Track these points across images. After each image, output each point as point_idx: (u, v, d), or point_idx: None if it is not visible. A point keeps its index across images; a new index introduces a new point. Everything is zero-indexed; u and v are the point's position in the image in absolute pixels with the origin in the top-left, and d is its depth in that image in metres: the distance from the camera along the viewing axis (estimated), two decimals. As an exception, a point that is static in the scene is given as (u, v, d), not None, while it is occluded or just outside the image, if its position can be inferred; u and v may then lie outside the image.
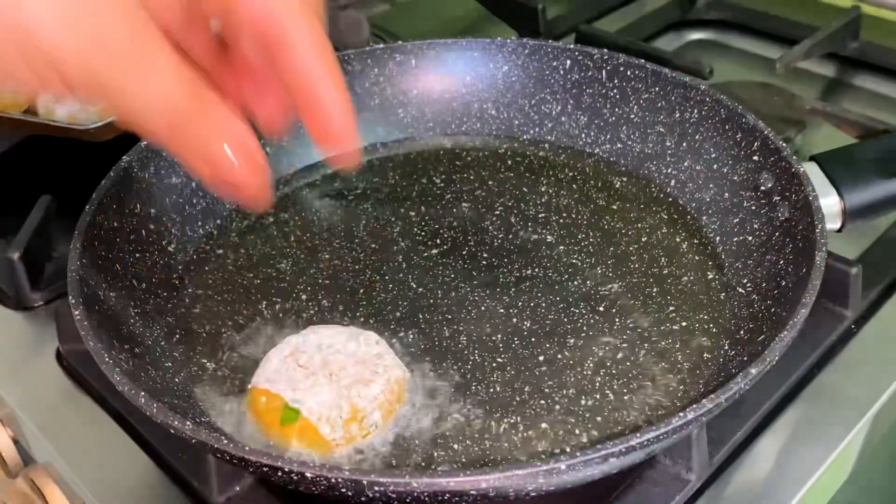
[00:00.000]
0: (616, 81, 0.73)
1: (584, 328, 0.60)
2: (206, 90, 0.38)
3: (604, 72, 0.74)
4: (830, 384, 0.58)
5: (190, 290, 0.64)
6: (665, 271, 0.63)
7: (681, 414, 0.45)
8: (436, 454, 0.52)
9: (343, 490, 0.44)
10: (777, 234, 0.60)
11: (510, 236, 0.67)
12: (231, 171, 0.38)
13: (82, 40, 0.34)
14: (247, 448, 0.45)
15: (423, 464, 0.52)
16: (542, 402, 0.55)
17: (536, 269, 0.64)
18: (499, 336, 0.59)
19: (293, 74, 0.41)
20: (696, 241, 0.66)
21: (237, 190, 0.39)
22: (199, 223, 0.69)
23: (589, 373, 0.56)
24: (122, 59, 0.35)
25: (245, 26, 0.40)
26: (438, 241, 0.67)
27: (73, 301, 0.54)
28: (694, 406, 0.46)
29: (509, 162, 0.75)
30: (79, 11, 0.33)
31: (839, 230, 0.63)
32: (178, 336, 0.61)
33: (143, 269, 0.63)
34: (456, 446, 0.53)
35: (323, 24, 0.41)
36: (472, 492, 0.44)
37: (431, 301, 0.62)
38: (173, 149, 0.38)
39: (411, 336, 0.60)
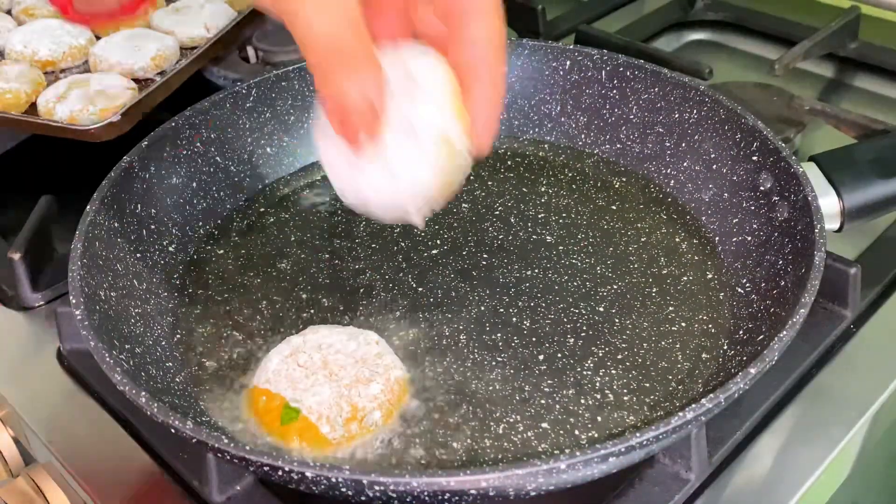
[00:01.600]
0: (616, 82, 0.73)
1: (584, 328, 0.60)
2: (363, 41, 0.41)
3: (603, 72, 0.74)
4: (829, 384, 0.59)
5: (190, 290, 0.64)
6: (664, 271, 0.64)
7: (680, 414, 0.45)
8: (436, 453, 0.52)
9: (343, 489, 0.44)
10: (776, 234, 0.61)
11: (510, 236, 0.67)
12: (348, 117, 0.42)
13: None
14: (247, 448, 0.46)
15: (423, 463, 0.52)
16: (542, 401, 0.55)
17: (536, 270, 0.64)
18: (498, 335, 0.59)
19: (458, 58, 0.43)
20: (695, 241, 0.66)
21: (344, 132, 0.43)
22: (199, 223, 0.69)
23: (589, 373, 0.57)
24: None
25: None
26: (438, 242, 0.67)
27: (73, 301, 0.54)
28: (693, 406, 0.46)
29: (509, 162, 0.75)
30: None
31: (838, 230, 0.63)
32: (178, 336, 0.61)
33: (143, 269, 0.63)
34: (456, 445, 0.53)
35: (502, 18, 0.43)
36: (472, 491, 0.44)
37: (431, 301, 0.62)
38: (316, 79, 0.42)
39: (411, 335, 0.60)
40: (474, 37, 0.43)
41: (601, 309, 0.61)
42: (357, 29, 0.40)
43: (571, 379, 0.56)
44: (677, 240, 0.66)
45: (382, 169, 0.45)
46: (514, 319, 0.60)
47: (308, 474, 0.44)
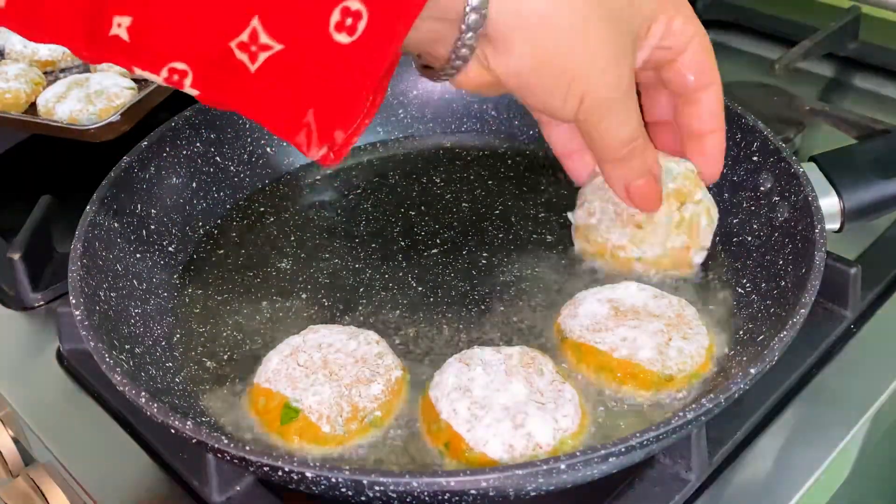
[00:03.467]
0: (616, 82, 0.73)
1: (584, 328, 0.60)
2: (646, 134, 0.55)
3: (603, 72, 0.74)
4: (830, 384, 0.59)
5: (190, 290, 0.64)
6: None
7: (680, 414, 0.45)
8: (437, 452, 0.52)
9: (343, 490, 0.44)
10: (776, 234, 0.61)
11: (510, 236, 0.67)
12: (643, 193, 0.56)
13: (608, 82, 0.50)
14: (247, 448, 0.46)
15: (423, 463, 0.52)
16: (542, 401, 0.55)
17: (536, 269, 0.64)
18: (498, 335, 0.59)
19: (691, 125, 0.58)
20: (695, 241, 0.66)
21: (640, 203, 0.57)
22: (199, 223, 0.69)
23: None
24: (624, 99, 0.51)
25: (673, 83, 0.56)
26: (438, 241, 0.67)
27: (73, 301, 0.54)
28: (693, 406, 0.46)
29: (509, 162, 0.75)
30: (612, 59, 0.49)
31: (838, 230, 0.63)
32: (178, 336, 0.61)
33: (143, 269, 0.63)
34: (456, 446, 0.53)
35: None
36: (472, 491, 0.44)
37: (432, 300, 0.62)
38: (616, 169, 0.55)
39: (411, 335, 0.60)
40: (710, 102, 0.57)
41: (601, 309, 0.61)
42: (641, 123, 0.54)
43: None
44: (677, 240, 0.66)
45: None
46: (514, 319, 0.60)
47: (308, 474, 0.44)
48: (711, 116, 0.57)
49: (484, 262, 0.65)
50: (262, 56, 0.42)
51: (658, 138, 0.60)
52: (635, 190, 0.56)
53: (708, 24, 0.56)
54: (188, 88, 0.44)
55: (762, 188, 0.63)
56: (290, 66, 0.43)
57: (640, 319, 0.56)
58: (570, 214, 0.64)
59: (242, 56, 0.43)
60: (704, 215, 0.61)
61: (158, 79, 0.44)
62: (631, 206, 0.58)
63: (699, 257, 0.62)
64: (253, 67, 0.43)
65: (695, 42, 0.54)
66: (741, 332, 0.57)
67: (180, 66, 0.43)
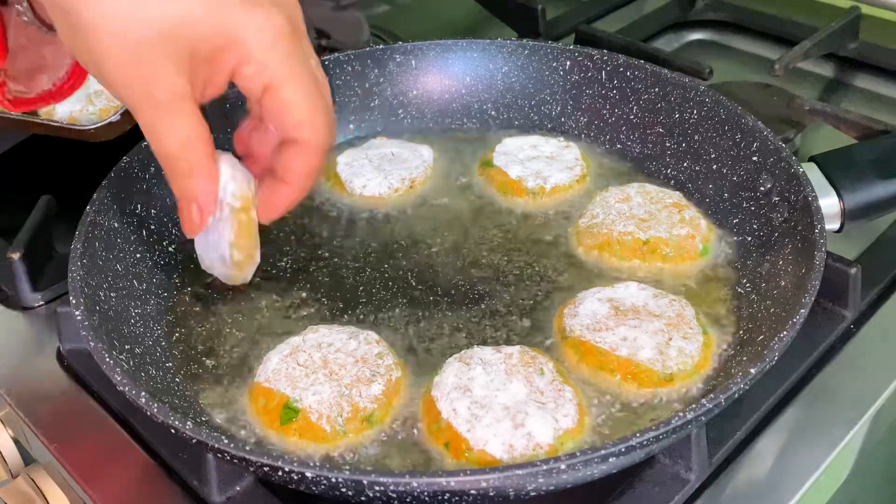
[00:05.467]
0: (616, 82, 0.73)
1: (584, 328, 0.60)
2: (205, 161, 0.52)
3: (603, 72, 0.74)
4: (830, 384, 0.59)
5: (190, 290, 0.64)
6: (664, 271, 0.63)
7: (680, 414, 0.45)
8: (437, 452, 0.52)
9: (343, 490, 0.44)
10: (776, 234, 0.61)
11: (510, 235, 0.67)
12: (181, 213, 0.54)
13: (135, 94, 0.49)
14: (247, 448, 0.46)
15: (423, 463, 0.52)
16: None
17: (537, 268, 0.64)
18: (499, 333, 0.59)
19: (278, 164, 0.54)
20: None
21: (180, 220, 0.54)
22: (200, 223, 0.69)
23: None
24: (154, 112, 0.49)
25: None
26: (439, 240, 0.67)
27: (73, 301, 0.54)
28: (693, 406, 0.46)
29: (509, 162, 0.75)
30: (134, 74, 0.48)
31: (838, 230, 0.63)
32: (177, 336, 0.61)
33: (143, 269, 0.63)
34: (456, 446, 0.53)
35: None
36: (472, 491, 0.44)
37: (432, 299, 0.62)
38: (166, 173, 0.52)
39: (411, 335, 0.60)
40: (289, 156, 0.54)
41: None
42: (199, 140, 0.51)
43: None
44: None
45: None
46: (514, 317, 0.60)
47: (308, 474, 0.44)
48: (286, 171, 0.54)
49: (484, 260, 0.65)
50: None
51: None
52: (179, 210, 0.54)
53: (708, 24, 0.56)
54: None
55: (762, 188, 0.63)
56: None
57: (641, 319, 0.56)
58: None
59: None
60: (703, 218, 0.63)
61: None
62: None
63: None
64: None
65: (274, 93, 0.51)
66: (741, 332, 0.57)
67: None
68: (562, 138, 0.74)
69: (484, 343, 0.58)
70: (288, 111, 0.52)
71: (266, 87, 0.51)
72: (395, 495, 0.44)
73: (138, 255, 0.63)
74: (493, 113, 0.78)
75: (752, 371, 0.48)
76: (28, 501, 0.61)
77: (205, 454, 0.51)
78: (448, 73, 0.77)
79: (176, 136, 0.50)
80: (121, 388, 0.49)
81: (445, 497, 0.44)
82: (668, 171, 0.70)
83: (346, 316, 0.61)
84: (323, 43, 0.86)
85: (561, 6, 1.01)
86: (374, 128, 0.77)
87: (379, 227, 0.69)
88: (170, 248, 0.66)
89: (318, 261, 0.66)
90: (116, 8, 0.46)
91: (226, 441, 0.46)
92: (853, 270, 0.61)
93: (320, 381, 0.53)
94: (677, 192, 0.66)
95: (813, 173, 0.62)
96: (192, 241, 0.67)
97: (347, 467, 0.44)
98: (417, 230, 0.68)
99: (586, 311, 0.57)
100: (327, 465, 0.44)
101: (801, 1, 1.00)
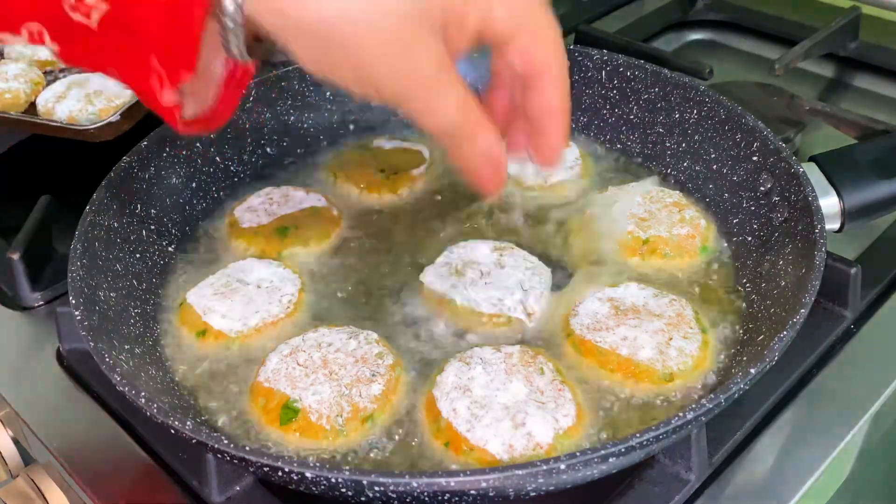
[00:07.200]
0: (616, 82, 0.73)
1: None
2: (482, 117, 0.51)
3: (603, 72, 0.74)
4: (830, 384, 0.59)
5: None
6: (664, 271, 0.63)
7: (680, 414, 0.45)
8: (437, 452, 0.52)
9: (343, 490, 0.44)
10: (776, 234, 0.61)
11: (510, 235, 0.67)
12: (479, 176, 0.53)
13: (398, 73, 0.48)
14: (247, 448, 0.46)
15: (423, 463, 0.52)
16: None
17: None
18: (498, 334, 0.59)
19: (531, 113, 0.54)
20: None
21: (479, 185, 0.53)
22: (199, 223, 0.69)
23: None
24: (426, 89, 0.49)
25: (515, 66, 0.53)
26: (437, 238, 0.67)
27: (73, 301, 0.54)
28: (693, 406, 0.46)
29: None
30: (398, 50, 0.47)
31: (838, 230, 0.63)
32: (177, 335, 0.61)
33: (143, 270, 0.63)
34: (456, 446, 0.53)
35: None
36: (472, 492, 0.44)
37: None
38: (449, 151, 0.51)
39: (411, 334, 0.60)
40: (544, 88, 0.54)
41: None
42: (472, 106, 0.50)
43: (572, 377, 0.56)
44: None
45: None
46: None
47: (308, 475, 0.44)
48: (546, 102, 0.54)
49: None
50: (95, 15, 0.45)
51: (513, 138, 0.57)
52: (474, 175, 0.53)
53: (708, 24, 0.55)
54: (50, 44, 0.47)
55: (762, 188, 0.63)
56: (122, 21, 0.46)
57: (641, 318, 0.56)
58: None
59: (78, 16, 0.45)
60: (703, 217, 0.63)
61: (24, 39, 0.47)
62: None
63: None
64: (93, 25, 0.45)
65: (524, 30, 0.53)
66: (741, 332, 0.57)
67: (35, 26, 0.46)
68: None
69: (485, 342, 0.58)
70: (545, 46, 0.54)
71: (517, 28, 0.53)
72: (395, 495, 0.44)
73: (138, 255, 0.63)
74: (493, 113, 0.78)
75: (752, 371, 0.48)
76: (28, 501, 0.61)
77: (205, 454, 0.51)
78: (448, 73, 0.77)
79: (452, 105, 0.50)
80: (120, 388, 0.49)
81: (445, 497, 0.44)
82: (668, 171, 0.70)
83: (346, 317, 0.61)
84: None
85: (561, 6, 1.01)
86: (374, 128, 0.77)
87: (379, 228, 0.69)
88: (170, 249, 0.66)
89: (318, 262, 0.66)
90: (369, 1, 0.46)
91: (226, 441, 0.46)
92: (853, 270, 0.61)
93: (320, 381, 0.53)
94: (677, 192, 0.67)
95: (813, 173, 0.62)
96: (191, 241, 0.68)
97: (347, 467, 0.44)
98: (418, 231, 0.68)
99: (586, 311, 0.57)
100: (327, 465, 0.44)
101: (801, 1, 1.00)
